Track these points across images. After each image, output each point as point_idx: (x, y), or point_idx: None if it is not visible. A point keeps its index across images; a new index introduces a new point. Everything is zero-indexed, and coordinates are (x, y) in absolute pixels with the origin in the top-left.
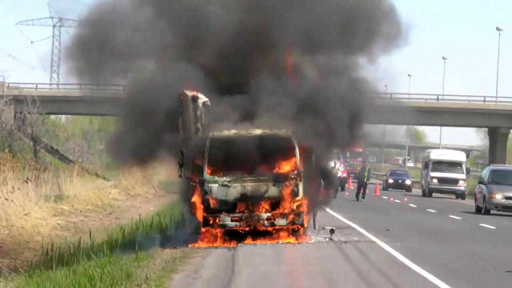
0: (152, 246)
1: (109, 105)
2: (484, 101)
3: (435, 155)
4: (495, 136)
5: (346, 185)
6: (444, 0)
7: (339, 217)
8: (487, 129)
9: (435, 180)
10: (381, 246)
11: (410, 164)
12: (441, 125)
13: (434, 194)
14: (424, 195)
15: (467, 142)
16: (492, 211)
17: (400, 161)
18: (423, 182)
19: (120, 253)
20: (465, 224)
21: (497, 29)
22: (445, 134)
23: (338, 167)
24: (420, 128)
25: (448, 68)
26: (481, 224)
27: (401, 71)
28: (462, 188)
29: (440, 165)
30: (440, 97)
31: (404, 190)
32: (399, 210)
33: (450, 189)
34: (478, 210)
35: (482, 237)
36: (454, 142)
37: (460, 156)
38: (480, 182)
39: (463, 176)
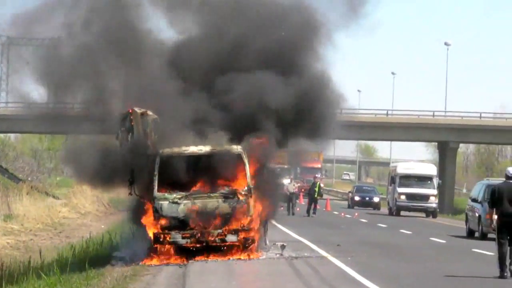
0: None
1: (58, 123)
2: (433, 115)
3: (402, 168)
4: (445, 151)
5: (297, 201)
6: (391, 15)
7: (290, 233)
8: (436, 143)
9: (403, 197)
10: (332, 261)
11: (346, 177)
12: (391, 140)
13: (402, 213)
14: (391, 213)
15: (417, 157)
16: (490, 235)
17: (351, 177)
18: (389, 199)
19: (70, 272)
20: (416, 239)
21: (445, 44)
22: (395, 148)
23: (294, 183)
24: (371, 143)
25: (397, 83)
26: (431, 239)
27: (351, 87)
28: (434, 205)
29: (408, 179)
30: (389, 112)
31: (372, 208)
32: (350, 225)
33: (420, 206)
34: (471, 234)
35: (432, 251)
36: (404, 157)
37: (430, 170)
38: (473, 200)
39: (434, 191)
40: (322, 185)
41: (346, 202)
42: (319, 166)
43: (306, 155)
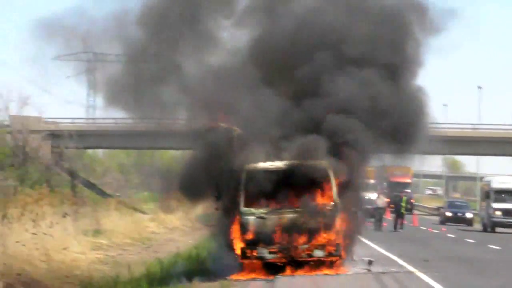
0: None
1: (149, 138)
2: None
3: (497, 183)
4: None
5: (384, 216)
6: (477, 28)
7: (377, 248)
8: None
9: (498, 213)
10: (419, 276)
11: (429, 192)
12: (478, 154)
13: (498, 229)
14: (485, 230)
15: (506, 171)
16: None
17: (438, 191)
18: (483, 215)
19: (158, 287)
20: (505, 254)
21: None
22: (483, 163)
23: (382, 198)
24: (458, 157)
25: (483, 97)
26: None
27: (436, 100)
28: None
29: (504, 194)
30: (476, 126)
31: (465, 224)
32: (437, 240)
33: None
34: None
35: None
36: (493, 171)
37: None
38: None
39: None
40: (413, 200)
41: (433, 217)
42: (409, 181)
43: (395, 170)
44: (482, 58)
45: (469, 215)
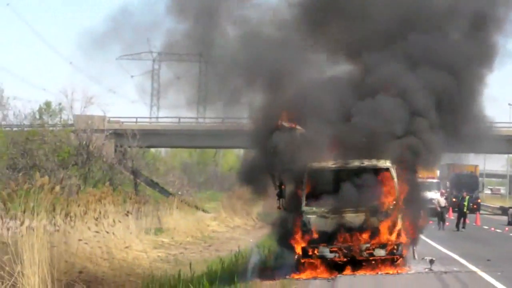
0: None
1: (211, 137)
2: None
3: None
4: None
5: (447, 215)
6: None
7: (439, 247)
8: None
9: None
10: (481, 276)
11: (488, 192)
12: None
13: None
14: None
15: None
16: None
17: (502, 191)
18: None
19: (219, 285)
20: None
21: None
22: None
23: (445, 198)
24: None
25: None
26: None
27: (502, 100)
28: None
29: None
30: None
31: None
32: (500, 240)
33: None
34: None
35: None
36: None
37: None
38: None
39: None
40: (479, 200)
41: (495, 217)
42: (475, 180)
43: (460, 168)
44: None
45: None
